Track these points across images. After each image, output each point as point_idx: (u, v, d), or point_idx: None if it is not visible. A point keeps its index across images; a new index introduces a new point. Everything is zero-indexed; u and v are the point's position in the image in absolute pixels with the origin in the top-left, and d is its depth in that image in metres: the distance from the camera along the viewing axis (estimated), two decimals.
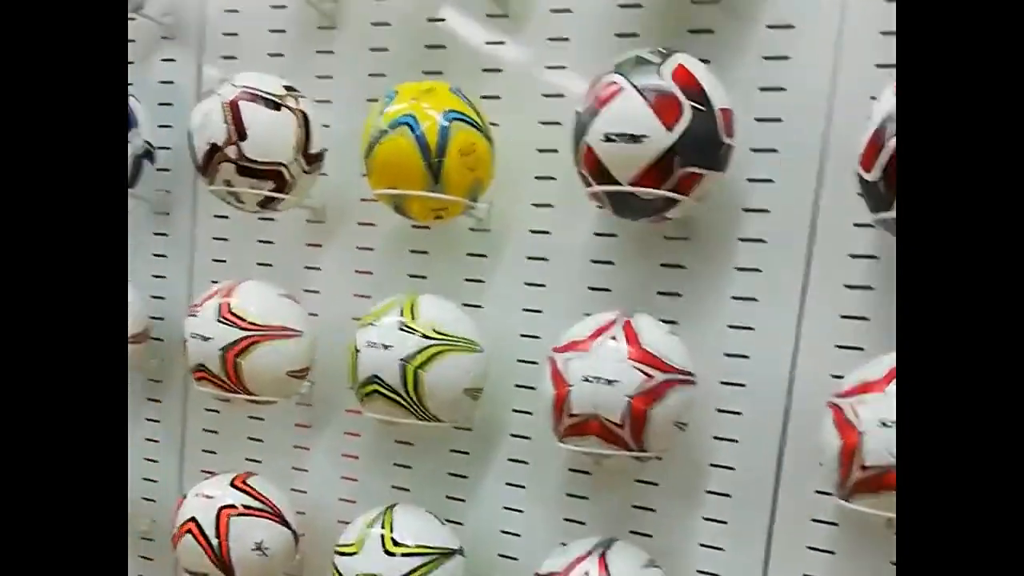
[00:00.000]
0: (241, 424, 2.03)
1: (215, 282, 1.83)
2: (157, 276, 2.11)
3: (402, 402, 1.57)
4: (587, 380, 1.38)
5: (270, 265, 1.97)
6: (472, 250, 1.76)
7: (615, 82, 1.35)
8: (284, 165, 1.66)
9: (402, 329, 1.56)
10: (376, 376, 1.56)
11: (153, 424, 2.17)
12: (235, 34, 1.98)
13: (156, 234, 2.13)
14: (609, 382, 1.36)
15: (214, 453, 2.10)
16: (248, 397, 1.70)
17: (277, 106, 1.64)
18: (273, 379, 1.73)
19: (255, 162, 1.63)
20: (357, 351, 1.59)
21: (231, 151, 1.62)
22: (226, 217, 2.02)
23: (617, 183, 1.35)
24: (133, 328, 1.96)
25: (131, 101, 1.88)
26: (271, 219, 1.94)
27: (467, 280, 1.77)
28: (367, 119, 1.57)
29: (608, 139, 1.34)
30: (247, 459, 2.04)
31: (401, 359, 1.54)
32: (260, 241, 1.98)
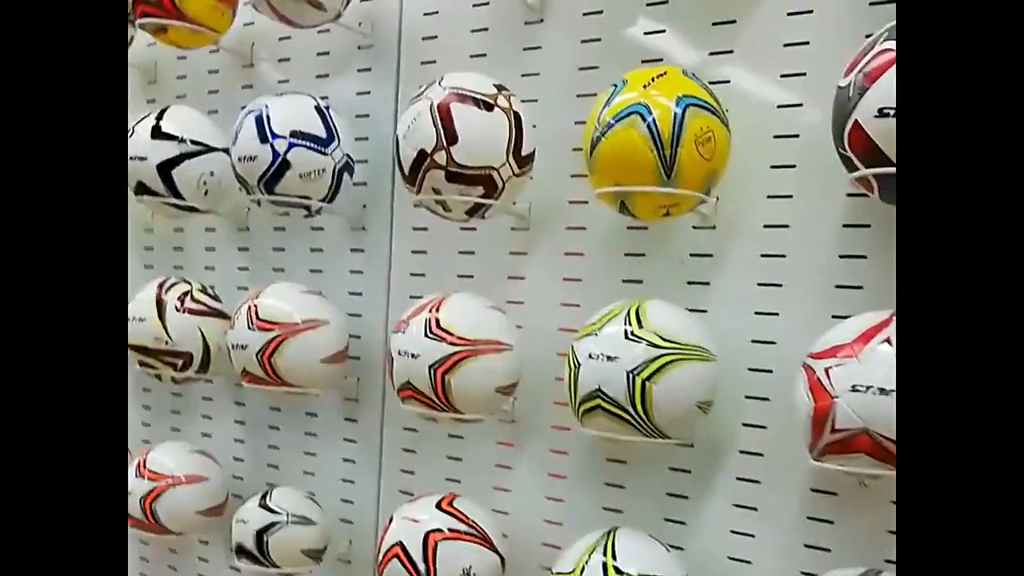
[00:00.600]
0: (440, 443, 1.96)
1: (416, 297, 1.77)
2: (354, 293, 2.06)
3: (627, 418, 1.45)
4: (856, 390, 1.21)
5: (471, 277, 1.89)
6: (696, 250, 1.62)
7: (889, 48, 1.19)
8: (495, 169, 1.57)
9: (628, 338, 1.44)
10: (599, 390, 1.45)
11: (350, 444, 2.12)
12: (434, 37, 1.93)
13: (353, 250, 2.08)
14: (884, 391, 1.19)
15: (412, 473, 2.03)
16: (456, 415, 1.62)
17: (489, 106, 1.56)
18: (482, 396, 1.65)
19: (465, 167, 1.55)
20: (577, 364, 1.47)
21: (440, 156, 1.54)
22: (424, 229, 1.96)
23: (893, 163, 1.19)
24: (333, 347, 1.90)
25: (330, 113, 1.84)
26: (472, 229, 1.87)
27: (689, 283, 1.63)
28: (591, 112, 1.47)
29: (882, 114, 1.18)
30: (447, 479, 1.96)
31: (628, 371, 1.40)
32: (461, 252, 1.91)
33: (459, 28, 1.90)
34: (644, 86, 1.40)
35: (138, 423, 2.54)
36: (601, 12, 1.72)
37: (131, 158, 2.02)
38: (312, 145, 1.80)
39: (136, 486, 2.09)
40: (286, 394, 1.91)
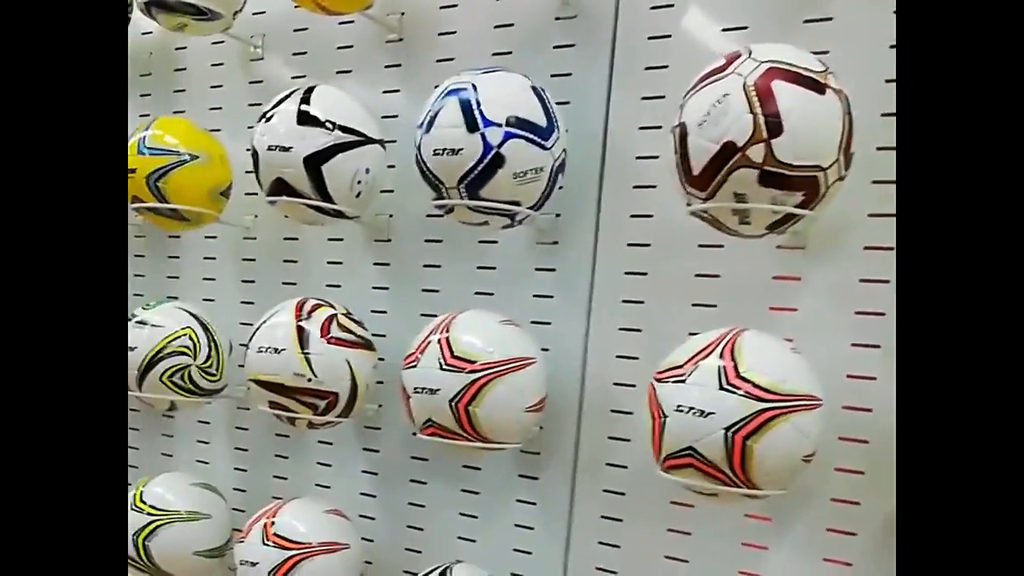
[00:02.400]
0: (657, 506, 1.56)
1: (630, 330, 1.54)
2: (540, 323, 1.65)
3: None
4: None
5: (713, 306, 1.48)
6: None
7: None
8: (822, 169, 1.17)
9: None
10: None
11: (527, 508, 1.71)
12: (670, 5, 1.52)
13: (540, 269, 1.68)
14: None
15: (615, 547, 1.62)
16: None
17: (820, 88, 1.16)
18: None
19: (787, 166, 1.15)
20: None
21: (756, 152, 1.14)
22: (645, 245, 1.55)
23: None
24: (538, 392, 1.53)
25: (547, 96, 1.43)
26: (720, 246, 1.47)
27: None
28: None
29: None
30: (667, 557, 1.55)
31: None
32: (699, 276, 1.50)
33: None
34: None
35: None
36: None
37: (269, 148, 1.60)
38: (532, 136, 1.40)
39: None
40: (475, 450, 1.50)
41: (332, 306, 1.72)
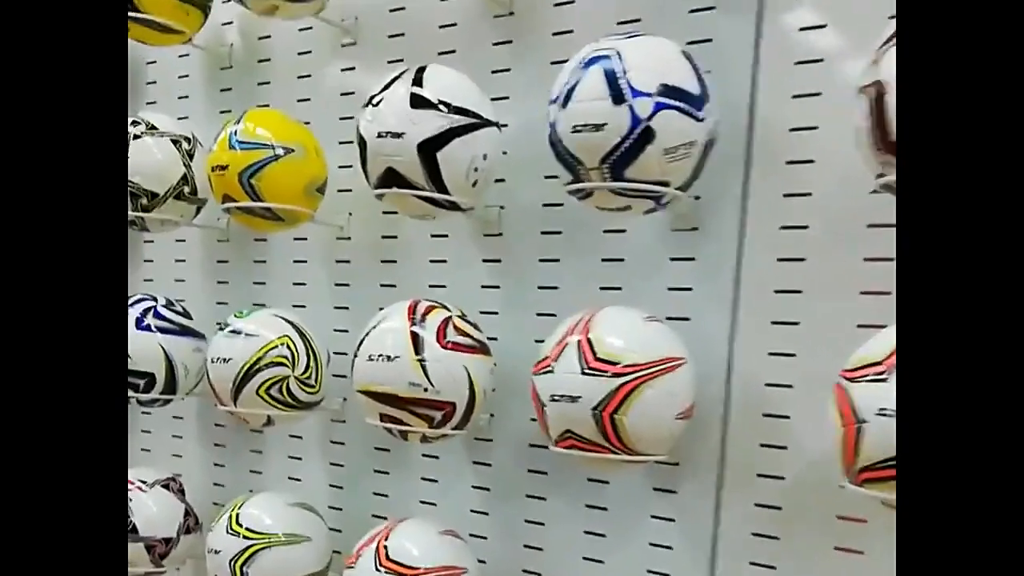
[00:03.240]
0: (823, 525, 1.37)
1: (784, 323, 1.37)
2: (676, 318, 1.47)
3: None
4: None
5: (886, 294, 1.30)
6: None
7: None
8: None
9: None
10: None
11: (665, 525, 1.54)
12: None
13: (675, 259, 1.50)
14: None
15: (769, 568, 1.43)
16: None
17: None
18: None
19: None
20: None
21: None
22: (802, 228, 1.38)
23: None
24: (688, 397, 1.37)
25: (700, 69, 1.26)
26: (894, 225, 1.27)
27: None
28: None
29: None
30: None
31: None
32: (872, 259, 1.32)
33: None
34: None
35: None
36: None
37: (379, 135, 1.45)
38: (684, 107, 1.23)
39: None
40: (618, 463, 1.33)
41: (447, 308, 1.56)
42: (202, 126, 2.04)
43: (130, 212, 1.92)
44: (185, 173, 1.96)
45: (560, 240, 1.64)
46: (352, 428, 1.96)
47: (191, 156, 1.97)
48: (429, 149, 1.45)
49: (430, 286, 1.82)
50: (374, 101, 1.49)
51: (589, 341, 1.29)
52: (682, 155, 1.25)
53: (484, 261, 1.75)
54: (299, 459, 2.07)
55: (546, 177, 1.64)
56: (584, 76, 1.25)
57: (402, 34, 1.85)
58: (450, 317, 1.54)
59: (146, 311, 1.97)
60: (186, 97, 2.27)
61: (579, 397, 1.27)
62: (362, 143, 1.50)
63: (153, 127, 1.94)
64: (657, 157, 1.23)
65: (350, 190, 1.92)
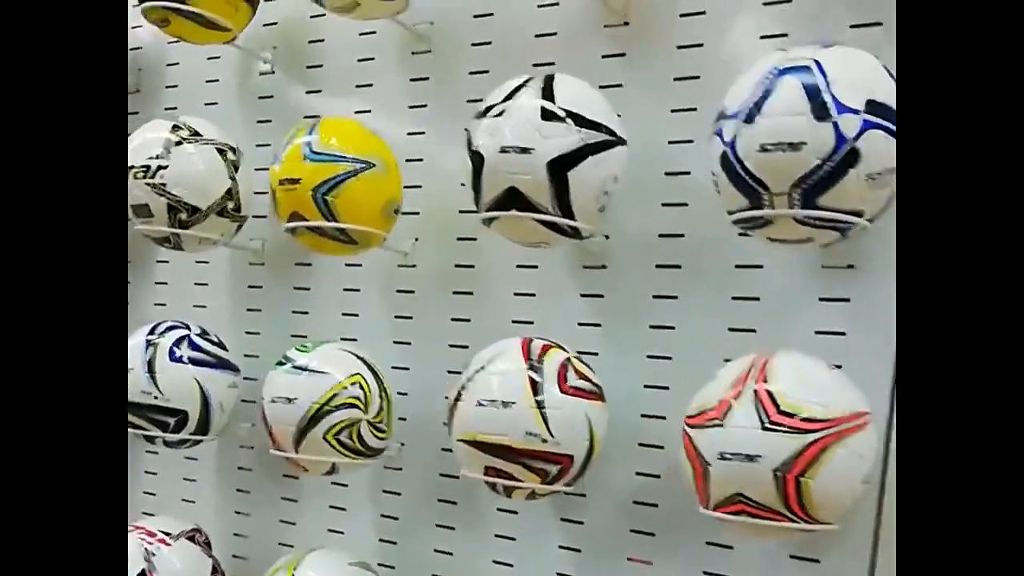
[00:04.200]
0: None
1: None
2: (826, 333, 1.32)
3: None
4: None
5: None
6: None
7: None
8: None
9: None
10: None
11: None
12: None
13: (826, 299, 1.35)
14: None
15: None
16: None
17: None
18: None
19: None
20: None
21: None
22: None
23: None
24: (871, 460, 1.19)
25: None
26: None
27: None
28: None
29: None
30: None
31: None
32: None
33: None
34: None
35: None
36: None
37: (503, 149, 1.27)
38: (890, 127, 1.08)
39: None
40: (791, 532, 1.15)
41: (563, 348, 1.38)
42: (236, 137, 1.83)
43: (167, 228, 1.69)
44: (231, 187, 1.73)
45: (679, 275, 1.48)
46: (410, 477, 1.75)
47: (236, 168, 1.75)
48: (560, 167, 1.28)
49: (514, 321, 1.63)
50: (494, 112, 1.30)
51: (769, 392, 1.12)
52: (883, 181, 1.09)
53: (583, 296, 1.57)
54: (342, 509, 1.85)
55: (663, 204, 1.47)
56: (777, 88, 1.09)
57: (488, 43, 1.67)
58: (569, 359, 1.36)
59: (180, 340, 1.74)
60: (215, 104, 2.04)
61: (759, 456, 1.09)
62: (477, 159, 1.31)
63: (196, 133, 1.72)
64: (858, 183, 1.08)
65: (416, 213, 1.72)
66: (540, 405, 1.30)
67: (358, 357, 1.57)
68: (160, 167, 1.67)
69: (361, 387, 1.53)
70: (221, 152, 1.74)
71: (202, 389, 1.72)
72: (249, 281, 1.98)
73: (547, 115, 1.28)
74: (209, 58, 2.05)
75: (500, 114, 1.31)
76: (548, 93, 1.30)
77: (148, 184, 1.67)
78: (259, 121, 1.96)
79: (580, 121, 1.30)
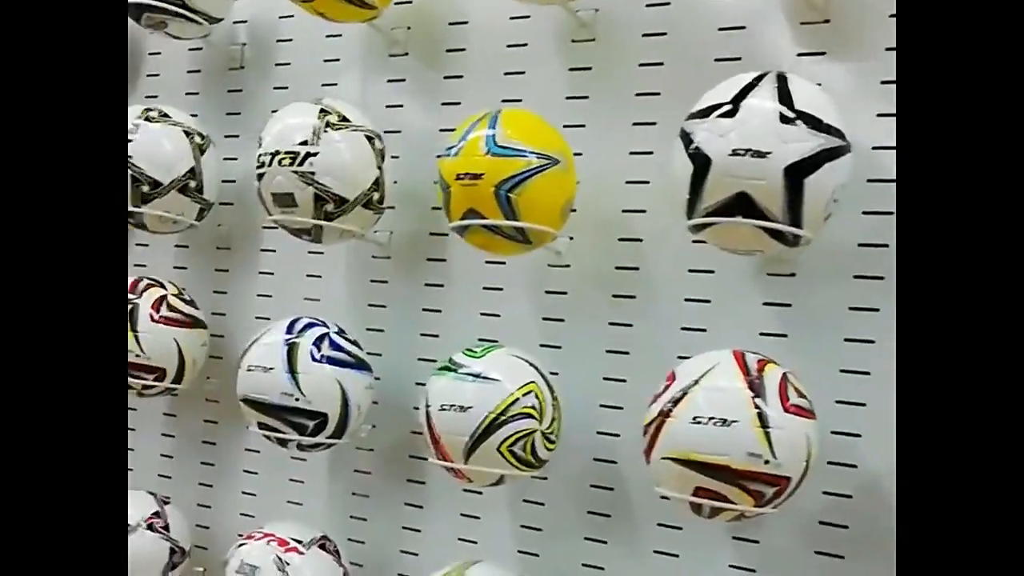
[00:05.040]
0: None
1: None
2: None
3: None
4: None
5: None
6: None
7: None
8: None
9: None
10: None
11: None
12: None
13: None
14: None
15: None
16: None
17: None
18: None
19: None
20: None
21: None
22: None
23: None
24: None
25: None
26: None
27: None
28: None
29: None
30: None
31: None
32: None
33: None
34: None
35: None
36: None
37: (735, 152, 1.19)
38: None
39: None
40: None
41: (776, 362, 1.30)
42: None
43: (312, 220, 1.59)
44: (378, 177, 1.64)
45: (883, 286, 1.39)
46: (555, 487, 1.66)
47: (383, 157, 1.66)
48: (797, 173, 1.20)
49: (683, 329, 1.55)
50: (720, 112, 1.22)
51: None
52: None
53: (766, 305, 1.49)
54: (476, 518, 1.77)
55: (864, 213, 1.40)
56: None
57: (663, 33, 1.58)
58: (786, 374, 1.28)
59: (320, 339, 1.64)
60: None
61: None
62: (702, 160, 1.23)
63: (345, 118, 1.62)
64: None
65: (573, 210, 1.64)
66: (764, 424, 1.22)
67: (530, 364, 1.48)
68: (309, 154, 1.56)
69: (536, 396, 1.45)
70: (369, 139, 1.64)
71: (343, 391, 1.63)
72: (372, 275, 1.87)
73: (785, 119, 1.19)
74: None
75: (729, 114, 1.22)
76: (784, 95, 1.21)
77: (295, 172, 1.56)
78: (388, 106, 1.85)
79: (817, 125, 1.21)
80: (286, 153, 1.57)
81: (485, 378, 1.44)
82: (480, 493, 1.73)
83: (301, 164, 1.56)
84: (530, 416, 1.43)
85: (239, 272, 2.02)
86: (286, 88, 1.96)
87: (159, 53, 2.15)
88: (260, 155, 1.60)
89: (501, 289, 1.75)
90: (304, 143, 1.58)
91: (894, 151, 1.38)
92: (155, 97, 2.11)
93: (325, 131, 1.58)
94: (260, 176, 1.61)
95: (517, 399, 1.43)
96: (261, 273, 2.03)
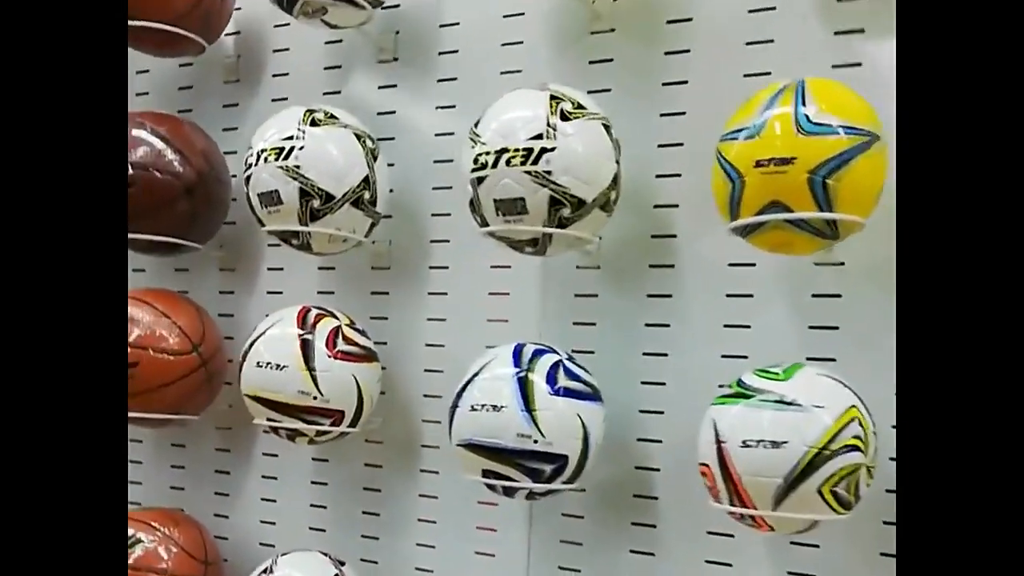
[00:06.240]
0: None
1: None
2: None
3: None
4: None
5: None
6: None
7: None
8: None
9: None
10: None
11: None
12: None
13: None
14: None
15: None
16: None
17: None
18: None
19: None
20: None
21: None
22: None
23: None
24: None
25: None
26: None
27: None
28: None
29: None
30: None
31: None
32: None
33: None
34: None
35: None
36: None
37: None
38: None
39: None
40: None
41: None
42: None
43: (542, 227, 1.34)
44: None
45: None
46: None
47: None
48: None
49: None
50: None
51: None
52: None
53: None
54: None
55: None
56: None
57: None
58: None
59: (555, 368, 1.38)
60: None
61: None
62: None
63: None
64: None
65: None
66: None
67: (845, 385, 1.22)
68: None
69: (860, 424, 1.20)
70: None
71: (584, 427, 1.37)
72: (579, 288, 1.63)
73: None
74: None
75: None
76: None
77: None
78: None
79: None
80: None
81: (800, 405, 1.17)
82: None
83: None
84: (856, 449, 1.18)
85: (401, 294, 1.76)
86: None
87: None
88: (478, 155, 1.35)
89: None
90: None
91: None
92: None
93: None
94: (480, 180, 1.35)
95: (841, 429, 1.17)
96: (431, 294, 1.76)
